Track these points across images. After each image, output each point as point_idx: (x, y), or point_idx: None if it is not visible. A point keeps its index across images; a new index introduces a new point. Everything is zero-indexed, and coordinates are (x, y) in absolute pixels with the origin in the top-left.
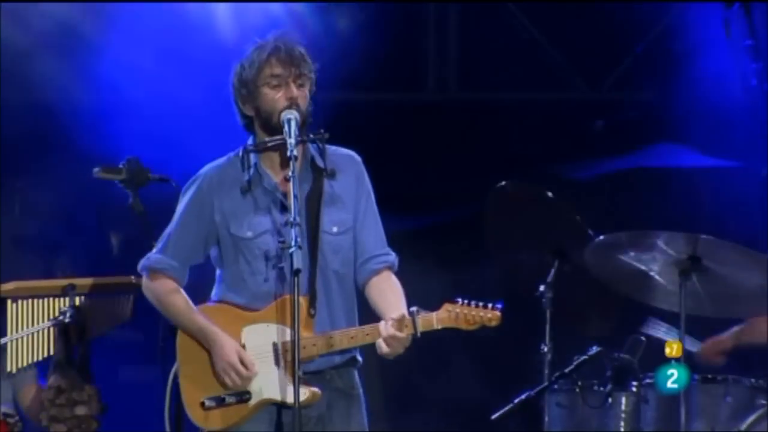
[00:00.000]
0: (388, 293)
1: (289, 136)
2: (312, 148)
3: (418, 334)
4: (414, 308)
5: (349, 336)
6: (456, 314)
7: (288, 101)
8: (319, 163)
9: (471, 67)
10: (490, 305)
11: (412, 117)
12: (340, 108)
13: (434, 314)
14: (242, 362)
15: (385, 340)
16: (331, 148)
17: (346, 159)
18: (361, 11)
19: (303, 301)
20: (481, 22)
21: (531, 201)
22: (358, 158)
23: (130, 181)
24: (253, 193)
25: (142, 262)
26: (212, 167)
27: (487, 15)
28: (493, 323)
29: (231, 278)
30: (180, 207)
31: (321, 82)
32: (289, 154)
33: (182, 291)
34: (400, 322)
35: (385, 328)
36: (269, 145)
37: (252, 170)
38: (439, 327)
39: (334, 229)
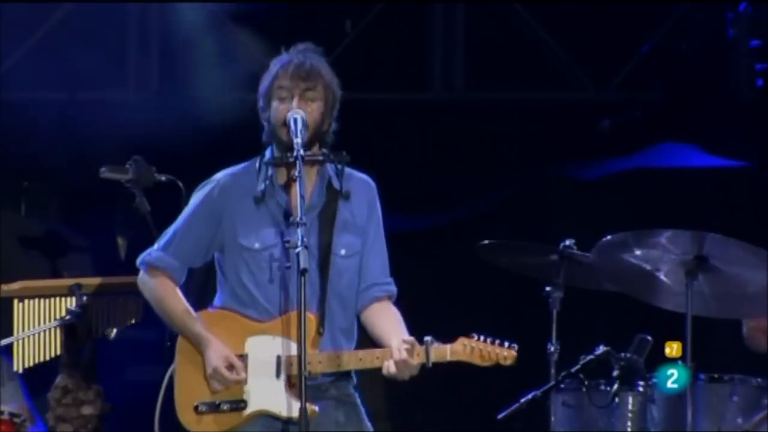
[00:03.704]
0: (390, 318)
1: (296, 136)
2: (330, 169)
3: (430, 364)
4: (428, 338)
5: (358, 357)
6: (471, 349)
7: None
8: (336, 184)
9: (477, 66)
10: (506, 343)
11: (418, 116)
12: (344, 108)
13: (448, 346)
14: (230, 368)
15: (396, 363)
16: (348, 171)
17: (361, 183)
18: (368, 10)
19: (313, 319)
20: (488, 22)
21: None
22: (373, 184)
23: (135, 182)
24: (267, 205)
25: (142, 257)
26: (227, 174)
27: (493, 14)
28: (508, 362)
29: (235, 286)
30: (189, 208)
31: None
32: (295, 153)
33: (180, 293)
34: (412, 348)
35: (399, 351)
36: (283, 161)
37: (267, 182)
38: (452, 359)
39: (342, 252)
